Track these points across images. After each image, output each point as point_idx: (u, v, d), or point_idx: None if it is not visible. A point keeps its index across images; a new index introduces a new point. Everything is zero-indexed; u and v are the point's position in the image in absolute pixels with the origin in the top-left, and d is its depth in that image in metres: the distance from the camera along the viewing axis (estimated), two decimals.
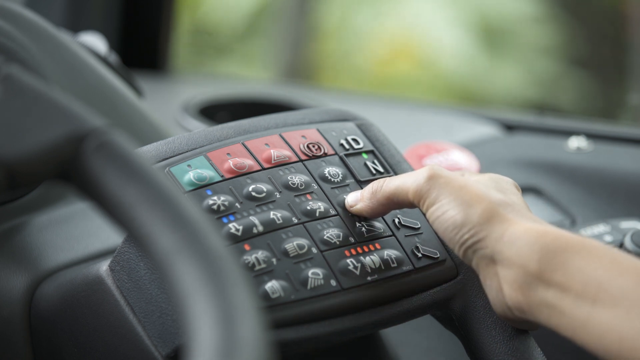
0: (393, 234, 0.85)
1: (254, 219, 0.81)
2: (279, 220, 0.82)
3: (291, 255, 0.81)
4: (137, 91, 1.19)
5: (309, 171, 0.86)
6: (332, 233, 0.83)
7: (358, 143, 0.90)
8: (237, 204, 0.82)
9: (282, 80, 3.43)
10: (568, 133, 1.43)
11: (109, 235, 0.97)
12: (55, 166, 0.64)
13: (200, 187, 0.82)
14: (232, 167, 0.84)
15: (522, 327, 0.83)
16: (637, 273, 0.74)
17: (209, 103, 1.57)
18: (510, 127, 1.53)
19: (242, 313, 0.58)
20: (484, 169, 1.28)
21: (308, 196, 0.85)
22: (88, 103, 1.04)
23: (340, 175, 0.87)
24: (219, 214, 0.81)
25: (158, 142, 0.85)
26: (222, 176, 0.83)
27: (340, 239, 0.83)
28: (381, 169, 0.89)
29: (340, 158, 0.88)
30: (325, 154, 0.88)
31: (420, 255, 0.84)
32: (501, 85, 3.47)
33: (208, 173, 0.83)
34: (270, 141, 0.87)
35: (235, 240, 0.80)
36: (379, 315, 0.82)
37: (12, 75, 0.65)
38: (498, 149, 1.42)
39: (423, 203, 0.81)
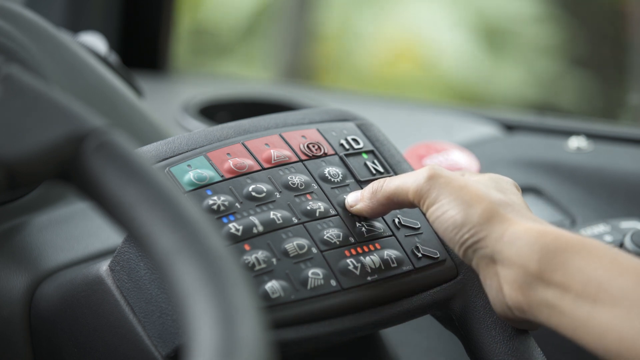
0: (393, 234, 0.85)
1: (254, 219, 0.81)
2: (279, 220, 0.82)
3: (291, 255, 0.81)
4: (137, 91, 1.19)
5: (309, 171, 0.86)
6: (332, 233, 0.83)
7: (358, 143, 0.90)
8: (237, 204, 0.82)
9: (282, 80, 3.42)
10: (568, 133, 1.43)
11: (109, 235, 0.97)
12: (55, 166, 0.64)
13: (200, 187, 0.82)
14: (232, 167, 0.84)
15: (522, 327, 0.83)
16: (637, 273, 0.74)
17: (209, 103, 1.57)
18: (510, 127, 1.53)
19: (242, 313, 0.58)
20: (484, 169, 1.28)
21: (308, 196, 0.85)
22: (88, 103, 1.04)
23: (340, 175, 0.87)
24: (219, 214, 0.81)
25: (158, 142, 0.85)
26: (222, 176, 0.83)
27: (340, 239, 0.83)
28: (381, 169, 0.89)
29: (340, 158, 0.88)
30: (325, 154, 0.88)
31: (420, 255, 0.84)
32: (502, 85, 3.47)
33: (208, 173, 0.83)
34: (270, 141, 0.87)
35: (235, 240, 0.80)
36: (379, 315, 0.82)
37: (12, 75, 0.65)
38: (498, 149, 1.42)
39: (423, 203, 0.81)
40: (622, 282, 0.74)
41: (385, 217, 0.86)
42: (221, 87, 1.73)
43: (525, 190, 1.29)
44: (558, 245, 0.76)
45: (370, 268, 0.82)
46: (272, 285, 0.79)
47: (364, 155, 0.89)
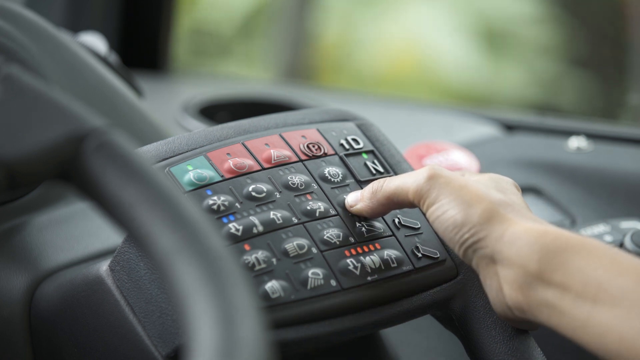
0: (393, 234, 0.85)
1: (254, 219, 0.81)
2: (279, 220, 0.82)
3: (291, 255, 0.81)
4: (137, 91, 1.19)
5: (309, 171, 0.86)
6: (332, 233, 0.83)
7: (358, 143, 0.90)
8: (237, 204, 0.82)
9: (282, 80, 3.42)
10: (568, 133, 1.43)
11: (109, 235, 0.97)
12: (55, 166, 0.64)
13: (200, 187, 0.82)
14: (232, 167, 0.84)
15: (522, 327, 0.83)
16: (637, 273, 0.74)
17: (209, 103, 1.57)
18: (510, 127, 1.53)
19: (242, 313, 0.58)
20: (484, 169, 1.28)
21: (308, 196, 0.85)
22: (88, 103, 1.04)
23: (340, 175, 0.87)
24: (219, 214, 0.81)
25: (158, 142, 0.85)
26: (222, 176, 0.83)
27: (340, 239, 0.83)
28: (381, 169, 0.89)
29: (340, 158, 0.88)
30: (325, 154, 0.88)
31: (420, 255, 0.84)
32: (503, 86, 3.47)
33: (208, 173, 0.83)
34: (270, 141, 0.87)
35: (235, 240, 0.80)
36: (379, 315, 0.82)
37: (12, 75, 0.65)
38: (498, 149, 1.42)
39: (423, 203, 0.81)
40: (622, 282, 0.74)
41: (385, 217, 0.86)
42: (221, 87, 1.73)
43: (525, 190, 1.29)
44: (558, 245, 0.76)
45: (370, 268, 0.82)
46: (272, 285, 0.79)
47: (364, 155, 0.89)
